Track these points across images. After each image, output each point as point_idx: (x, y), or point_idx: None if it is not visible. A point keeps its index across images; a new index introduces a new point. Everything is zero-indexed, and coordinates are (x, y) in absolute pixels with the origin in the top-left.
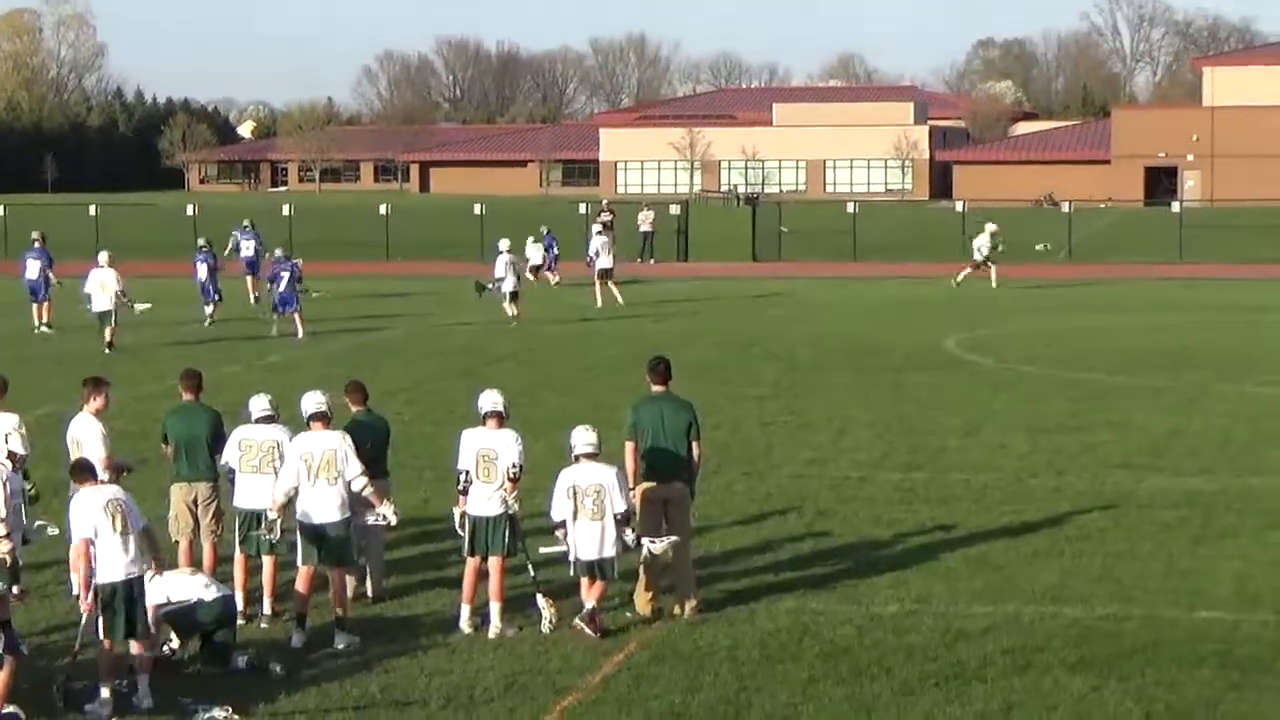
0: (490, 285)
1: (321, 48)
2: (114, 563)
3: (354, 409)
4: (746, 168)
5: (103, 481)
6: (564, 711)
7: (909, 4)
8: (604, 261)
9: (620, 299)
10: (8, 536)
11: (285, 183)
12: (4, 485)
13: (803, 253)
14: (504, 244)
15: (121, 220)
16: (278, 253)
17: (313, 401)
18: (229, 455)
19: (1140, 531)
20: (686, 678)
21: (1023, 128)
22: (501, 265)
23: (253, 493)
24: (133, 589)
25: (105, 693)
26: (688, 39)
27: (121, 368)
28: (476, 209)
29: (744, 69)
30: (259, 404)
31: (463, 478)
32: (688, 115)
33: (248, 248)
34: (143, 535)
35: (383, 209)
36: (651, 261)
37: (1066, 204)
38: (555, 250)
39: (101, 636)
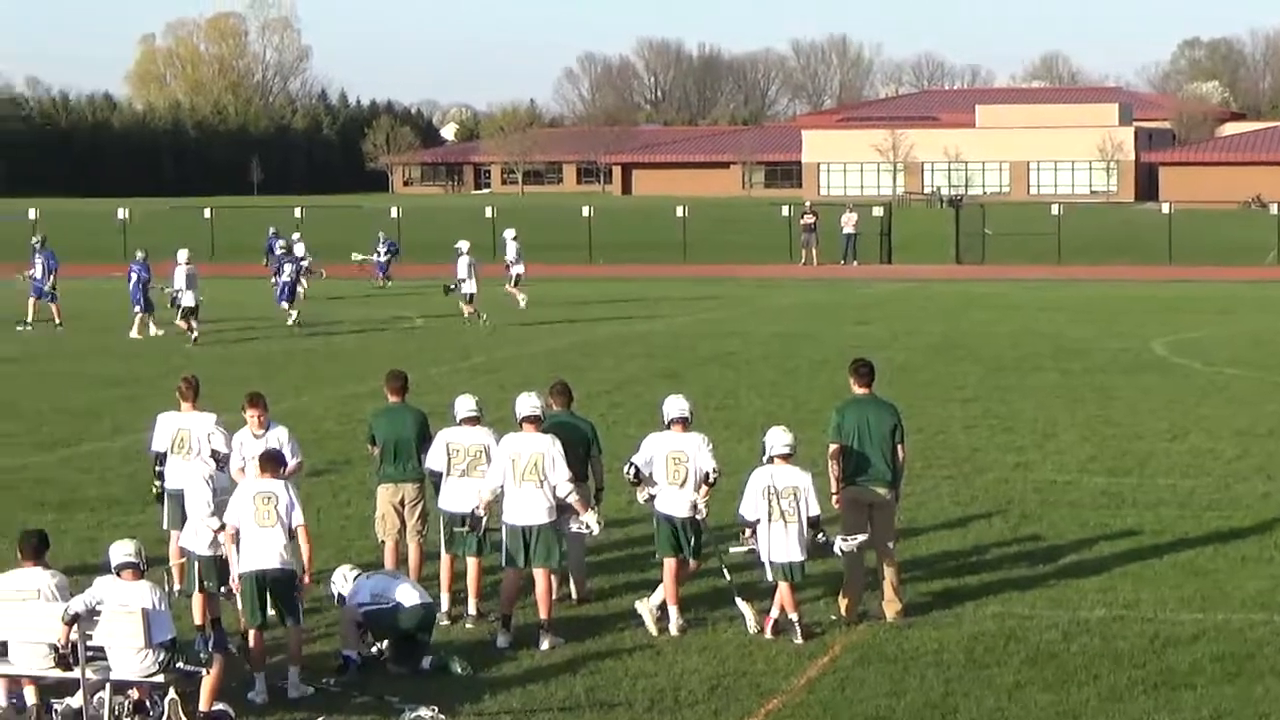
0: (452, 285)
1: (524, 50)
2: (252, 553)
3: (556, 409)
4: (949, 169)
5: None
6: (769, 715)
7: (1113, 4)
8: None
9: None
10: (221, 530)
11: (488, 185)
12: (209, 482)
13: (1006, 255)
14: (464, 245)
15: (326, 222)
16: (279, 243)
17: (527, 404)
18: (435, 459)
19: None
20: (891, 681)
21: (1230, 128)
22: (464, 266)
23: (459, 495)
24: (266, 578)
25: (259, 680)
26: (890, 40)
27: (326, 369)
28: (679, 211)
29: (946, 70)
30: (465, 404)
31: (630, 472)
32: (890, 117)
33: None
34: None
35: (585, 211)
36: (854, 263)
37: (1275, 205)
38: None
39: (242, 622)
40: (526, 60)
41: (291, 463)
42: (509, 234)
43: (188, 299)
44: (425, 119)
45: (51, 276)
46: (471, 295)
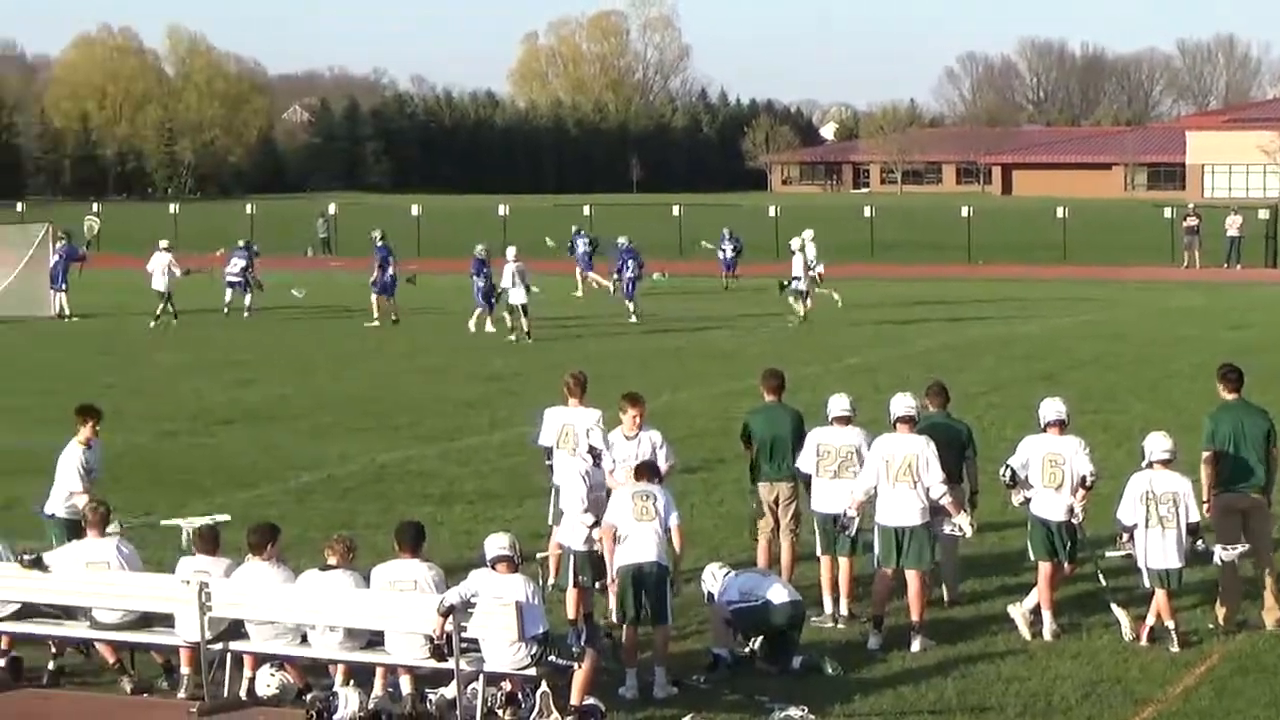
0: (786, 283)
1: (904, 49)
2: (629, 548)
3: (932, 410)
4: None
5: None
6: None
7: None
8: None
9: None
10: (595, 527)
11: (867, 184)
12: (585, 478)
13: None
14: (796, 243)
15: (703, 220)
16: (621, 241)
17: (902, 404)
18: (805, 460)
19: None
20: (1271, 692)
21: None
22: (799, 264)
23: (830, 497)
24: (641, 572)
25: (630, 676)
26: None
27: (701, 366)
28: (1059, 212)
29: None
30: (839, 403)
31: (1005, 474)
32: (1278, 118)
33: (583, 244)
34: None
35: (964, 211)
36: (1238, 266)
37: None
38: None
39: (614, 617)
40: (907, 60)
41: (663, 466)
42: (808, 235)
43: (516, 296)
44: (805, 118)
45: (377, 271)
46: (803, 293)
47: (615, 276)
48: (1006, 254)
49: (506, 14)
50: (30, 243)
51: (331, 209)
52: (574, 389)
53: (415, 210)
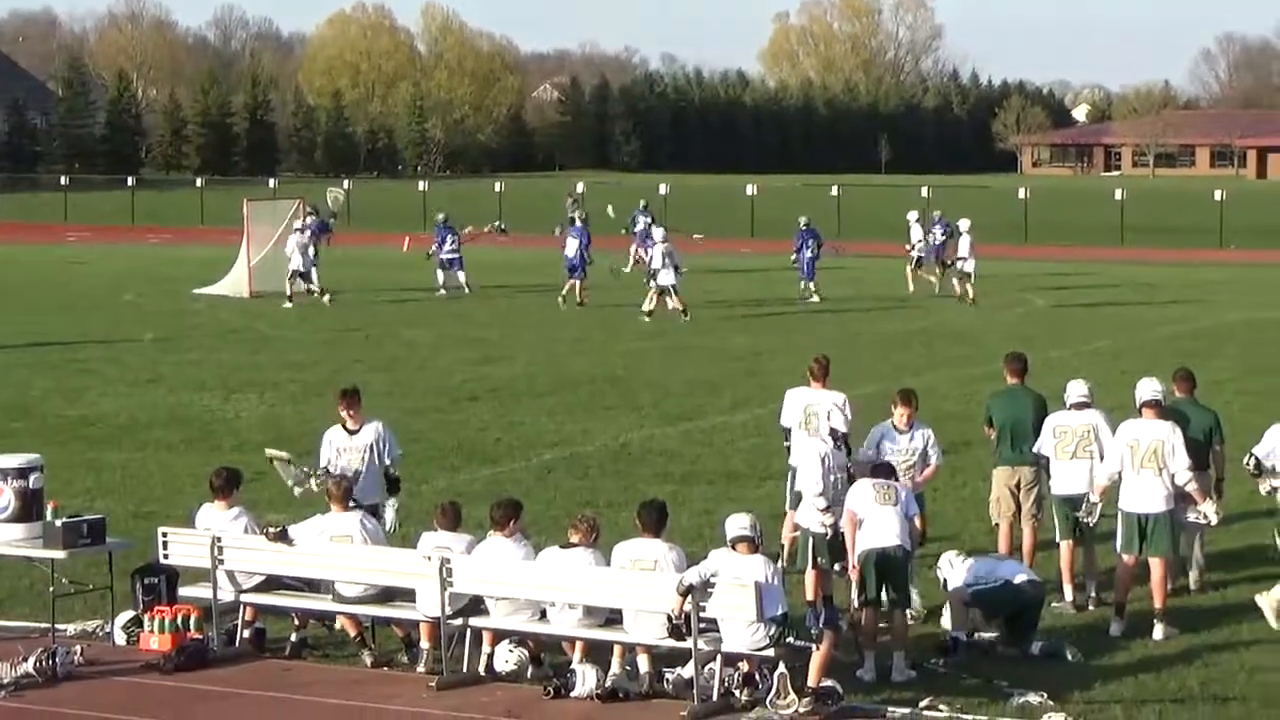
0: (949, 262)
1: (1159, 29)
2: (872, 531)
3: (1178, 396)
4: None
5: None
6: None
7: None
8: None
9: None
10: (828, 510)
11: (1118, 167)
12: (823, 460)
13: None
14: (965, 223)
15: (953, 202)
16: (801, 221)
17: (1149, 389)
18: (1044, 443)
19: None
20: None
21: None
22: (965, 245)
23: (1070, 478)
24: (884, 555)
25: (868, 659)
26: None
27: (946, 349)
28: None
29: None
30: (1076, 389)
31: (1250, 463)
32: None
33: (643, 221)
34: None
35: (1217, 195)
36: None
37: None
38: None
39: (855, 600)
40: (1162, 40)
41: (932, 466)
42: (964, 225)
43: (665, 277)
44: (1056, 99)
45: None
46: (969, 274)
47: (794, 257)
48: (1260, 239)
49: None
50: (282, 219)
51: (580, 187)
52: (817, 373)
53: (663, 189)
